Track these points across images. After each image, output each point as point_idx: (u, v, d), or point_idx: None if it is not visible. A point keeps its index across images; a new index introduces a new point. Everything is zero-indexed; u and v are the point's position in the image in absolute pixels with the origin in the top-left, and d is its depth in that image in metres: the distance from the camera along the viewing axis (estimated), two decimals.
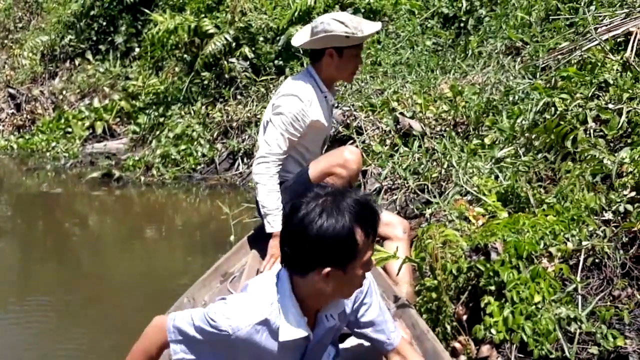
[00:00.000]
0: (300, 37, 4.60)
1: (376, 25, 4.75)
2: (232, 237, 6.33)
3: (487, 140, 6.31)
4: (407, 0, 10.03)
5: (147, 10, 12.20)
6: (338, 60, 4.50)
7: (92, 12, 13.54)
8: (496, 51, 7.78)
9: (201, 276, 4.48)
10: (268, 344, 2.53)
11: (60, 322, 5.43)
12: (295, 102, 4.41)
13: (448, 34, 9.32)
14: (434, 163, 6.58)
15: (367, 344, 3.01)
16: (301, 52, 9.36)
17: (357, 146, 6.88)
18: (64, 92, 12.82)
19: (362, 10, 9.86)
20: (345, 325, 2.86)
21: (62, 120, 11.66)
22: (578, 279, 4.38)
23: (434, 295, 4.47)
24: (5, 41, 17.18)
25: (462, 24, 9.42)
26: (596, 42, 5.81)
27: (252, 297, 2.57)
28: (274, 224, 4.39)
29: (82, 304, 5.63)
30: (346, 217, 2.39)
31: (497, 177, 5.52)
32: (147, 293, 5.81)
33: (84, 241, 7.60)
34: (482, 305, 4.34)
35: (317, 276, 2.45)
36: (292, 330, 2.52)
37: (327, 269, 2.43)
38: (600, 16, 6.37)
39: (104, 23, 13.44)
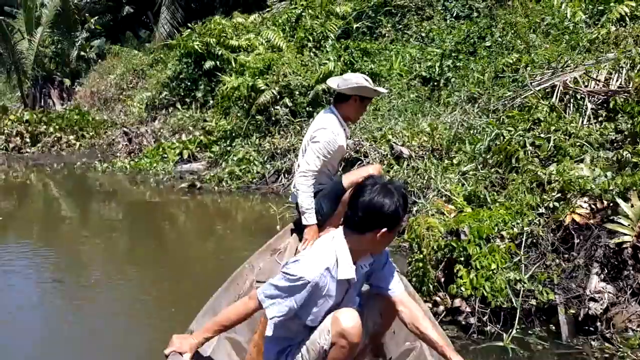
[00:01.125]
0: (335, 82, 4.58)
1: (385, 90, 4.79)
2: (278, 227, 6.35)
3: (455, 161, 6.35)
4: (398, 67, 10.10)
5: (219, 74, 12.34)
6: (359, 105, 4.51)
7: (181, 76, 13.70)
8: (460, 100, 7.79)
9: (257, 251, 4.49)
10: (330, 285, 2.51)
11: (158, 280, 5.47)
12: (329, 134, 4.39)
13: (426, 89, 9.36)
14: (418, 177, 6.61)
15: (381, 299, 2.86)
16: (323, 100, 9.47)
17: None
18: (161, 130, 12.95)
19: (367, 73, 9.90)
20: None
21: (160, 149, 11.77)
22: (521, 253, 4.37)
23: (420, 265, 4.47)
24: (121, 96, 17.43)
25: (435, 83, 9.45)
26: (531, 92, 5.84)
27: (316, 254, 2.54)
28: (309, 218, 4.41)
29: (175, 271, 5.66)
30: (395, 197, 2.48)
31: (463, 185, 5.54)
32: (219, 261, 5.90)
33: (175, 230, 7.67)
34: (455, 271, 4.35)
35: (373, 235, 2.50)
36: (346, 272, 2.51)
37: (383, 230, 2.49)
38: (534, 74, 6.38)
39: (189, 83, 13.56)
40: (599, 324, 3.99)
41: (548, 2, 8.32)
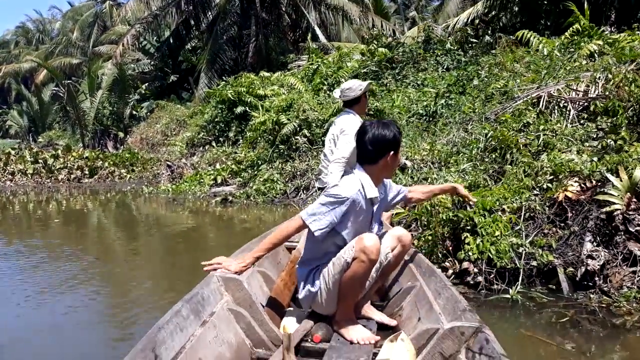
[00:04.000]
0: (337, 94, 4.46)
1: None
2: None
3: (453, 169, 6.10)
4: (398, 105, 9.97)
5: (248, 115, 12.28)
6: (365, 100, 4.44)
7: (216, 119, 13.74)
8: (455, 122, 7.59)
9: (286, 221, 4.24)
10: (362, 202, 2.54)
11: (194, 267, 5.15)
12: (355, 124, 4.19)
13: (423, 122, 9.18)
14: (419, 183, 6.36)
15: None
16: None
17: None
18: (199, 162, 12.82)
19: (372, 111, 9.84)
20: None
21: (198, 176, 11.58)
22: (521, 223, 4.08)
23: (430, 238, 4.21)
24: (165, 141, 17.44)
25: (431, 118, 9.28)
26: (521, 101, 5.66)
27: (349, 180, 2.58)
28: None
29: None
30: (391, 126, 2.59)
31: (463, 178, 5.28)
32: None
33: (212, 232, 7.39)
34: (462, 238, 4.06)
35: (384, 161, 2.57)
36: (372, 191, 2.57)
37: (391, 153, 2.57)
38: (522, 89, 6.23)
39: (223, 125, 13.61)
40: (597, 279, 3.67)
41: (528, 47, 8.26)
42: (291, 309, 2.91)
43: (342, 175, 4.30)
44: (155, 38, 26.24)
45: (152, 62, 26.57)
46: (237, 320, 2.49)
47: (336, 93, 4.54)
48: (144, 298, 4.20)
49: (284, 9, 21.55)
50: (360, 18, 19.89)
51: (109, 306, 4.14)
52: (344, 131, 4.27)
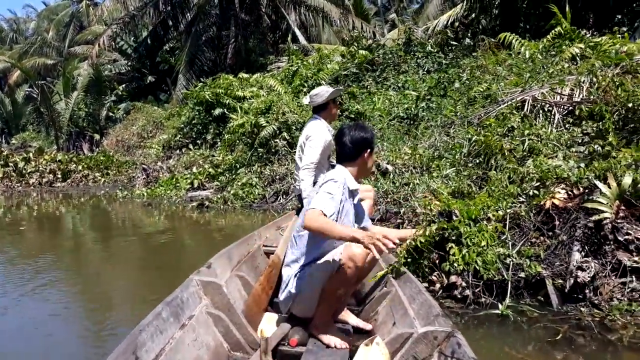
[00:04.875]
0: (307, 100, 4.39)
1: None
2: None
3: (435, 174, 5.92)
4: (379, 108, 9.78)
5: (228, 115, 11.94)
6: (333, 107, 4.36)
7: (193, 121, 13.38)
8: (437, 125, 7.43)
9: (265, 225, 4.37)
10: (346, 191, 2.67)
11: (167, 270, 4.88)
12: (320, 131, 4.19)
13: (404, 125, 8.99)
14: (402, 188, 6.18)
15: None
16: None
17: None
18: (175, 165, 12.43)
19: (353, 114, 9.64)
20: None
21: (174, 180, 11.20)
22: (507, 231, 3.90)
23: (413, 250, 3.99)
24: (142, 144, 17.00)
25: (412, 121, 9.11)
26: (505, 105, 5.50)
27: (335, 170, 2.73)
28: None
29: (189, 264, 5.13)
30: (368, 130, 2.80)
31: (447, 184, 5.10)
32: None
33: (188, 236, 7.10)
34: (448, 249, 3.85)
35: (362, 158, 2.75)
36: (353, 183, 2.72)
37: (368, 150, 2.76)
38: (506, 92, 6.07)
39: (200, 127, 13.24)
40: (587, 291, 3.50)
41: (509, 50, 8.13)
42: (269, 313, 2.93)
43: (314, 180, 4.24)
44: (132, 38, 25.68)
45: (130, 63, 26.00)
46: (215, 323, 2.53)
47: (306, 99, 4.54)
48: (119, 305, 4.12)
49: (263, 10, 21.24)
50: (340, 20, 19.70)
51: (84, 314, 4.03)
52: (310, 137, 4.28)
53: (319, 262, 2.55)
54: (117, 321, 3.78)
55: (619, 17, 9.73)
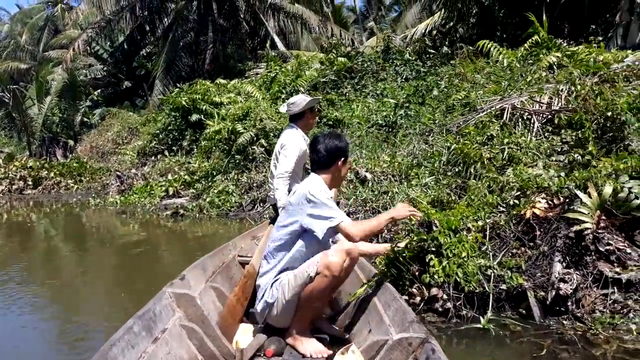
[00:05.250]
0: (284, 109, 4.34)
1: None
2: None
3: (414, 182, 5.82)
4: (357, 115, 9.68)
5: (203, 124, 11.72)
6: (310, 116, 4.31)
7: (169, 127, 13.09)
8: (415, 133, 7.35)
9: (240, 235, 4.30)
10: None
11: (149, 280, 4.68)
12: (295, 140, 4.16)
13: (382, 133, 8.89)
14: (381, 196, 6.08)
15: None
16: None
17: None
18: (150, 173, 12.13)
19: (331, 121, 9.53)
20: None
21: (148, 187, 10.91)
22: (487, 242, 3.81)
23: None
24: (116, 150, 16.63)
25: (390, 129, 9.02)
26: (484, 112, 5.44)
27: (316, 182, 2.72)
28: None
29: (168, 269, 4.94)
30: (341, 136, 2.88)
31: (426, 193, 5.00)
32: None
33: (163, 245, 6.87)
34: (427, 260, 3.73)
35: (336, 166, 2.79)
36: (328, 192, 2.72)
37: (342, 159, 2.80)
38: (485, 101, 6.02)
39: (176, 134, 12.95)
40: (569, 303, 3.41)
41: (487, 58, 8.12)
42: (244, 324, 2.91)
43: (288, 189, 4.13)
44: (108, 43, 25.24)
45: (105, 68, 25.53)
46: (189, 336, 2.47)
47: (283, 107, 4.47)
48: (90, 318, 3.98)
49: (242, 16, 21.06)
50: (319, 27, 19.66)
51: (54, 327, 3.87)
52: (284, 146, 4.24)
53: (295, 271, 2.55)
54: (88, 334, 3.63)
55: (594, 27, 9.84)
